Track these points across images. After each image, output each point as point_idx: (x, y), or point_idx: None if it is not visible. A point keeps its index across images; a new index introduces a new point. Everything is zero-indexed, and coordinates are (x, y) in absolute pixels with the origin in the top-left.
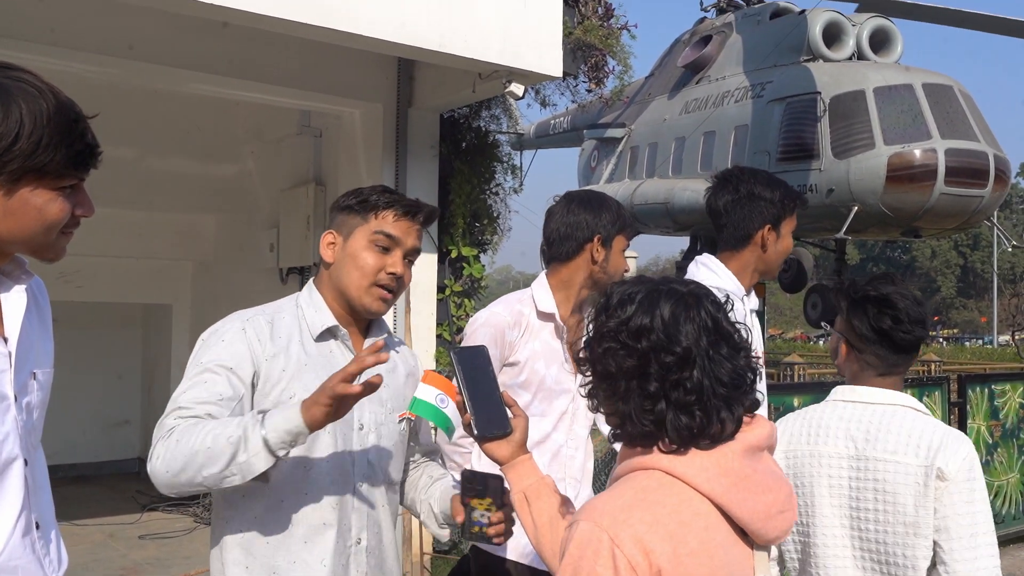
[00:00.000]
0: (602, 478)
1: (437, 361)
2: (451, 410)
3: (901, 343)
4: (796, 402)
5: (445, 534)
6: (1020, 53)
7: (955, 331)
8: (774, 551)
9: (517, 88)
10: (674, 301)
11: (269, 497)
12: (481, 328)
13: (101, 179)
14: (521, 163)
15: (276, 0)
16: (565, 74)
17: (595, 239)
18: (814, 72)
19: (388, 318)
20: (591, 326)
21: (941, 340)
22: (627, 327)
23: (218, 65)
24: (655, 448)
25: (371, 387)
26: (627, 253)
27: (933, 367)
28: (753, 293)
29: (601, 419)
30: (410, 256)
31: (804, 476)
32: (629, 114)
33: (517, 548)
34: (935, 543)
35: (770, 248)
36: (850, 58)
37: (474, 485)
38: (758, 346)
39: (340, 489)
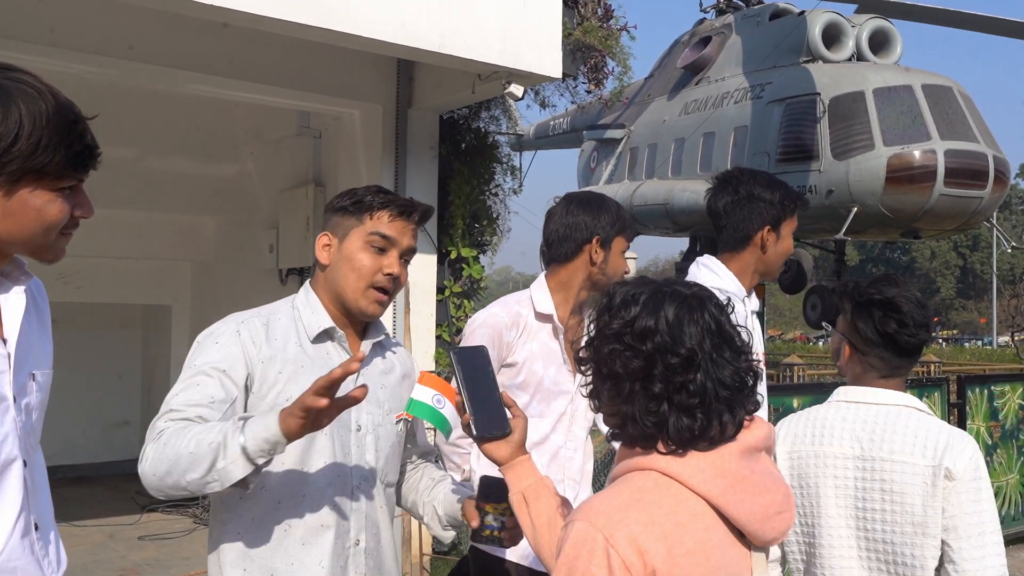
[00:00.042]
0: (601, 479)
1: (437, 362)
2: (448, 410)
3: (905, 346)
4: (796, 403)
5: (449, 536)
6: (1020, 53)
7: (954, 332)
8: (776, 552)
9: (516, 89)
10: (678, 303)
11: (267, 499)
12: (479, 329)
13: (101, 180)
14: (520, 164)
15: (276, 1)
16: (565, 75)
17: (594, 240)
18: (813, 73)
19: (387, 319)
20: (593, 326)
21: (940, 341)
22: (632, 328)
23: (218, 66)
24: (654, 449)
25: (352, 400)
26: (627, 254)
27: (932, 368)
28: (754, 294)
29: (601, 418)
30: (406, 256)
31: (809, 477)
32: (629, 115)
33: (517, 549)
34: (943, 542)
35: (770, 249)
36: (849, 59)
37: (492, 491)
38: (758, 348)
39: (338, 491)
